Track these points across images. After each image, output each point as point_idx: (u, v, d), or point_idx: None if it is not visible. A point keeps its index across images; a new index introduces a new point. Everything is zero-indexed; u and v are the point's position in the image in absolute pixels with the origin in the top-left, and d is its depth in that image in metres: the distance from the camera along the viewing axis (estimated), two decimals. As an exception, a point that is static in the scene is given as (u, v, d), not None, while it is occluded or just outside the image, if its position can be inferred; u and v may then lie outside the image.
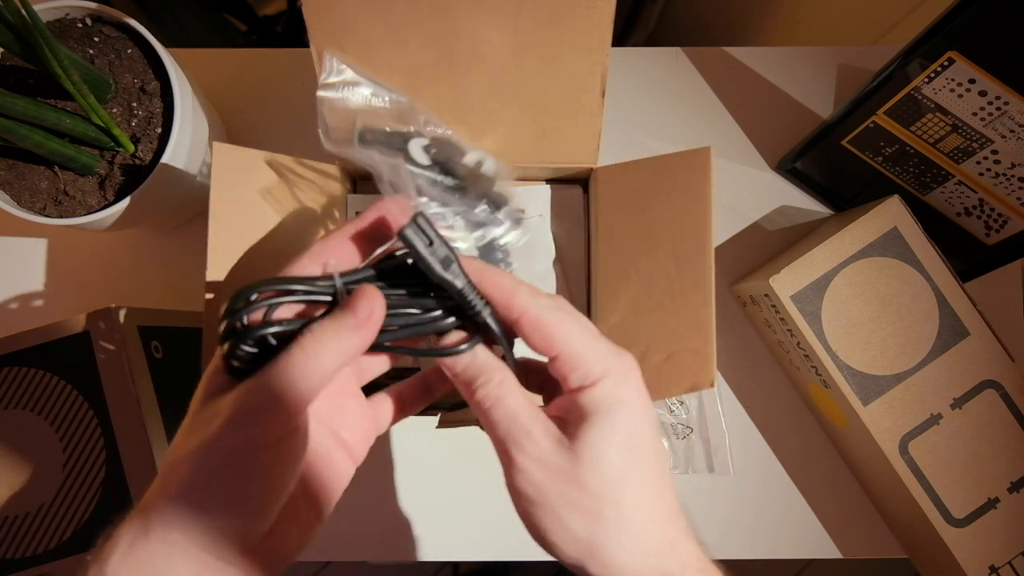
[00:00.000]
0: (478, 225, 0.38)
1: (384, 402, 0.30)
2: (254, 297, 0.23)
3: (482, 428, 0.26)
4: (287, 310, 0.24)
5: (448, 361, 0.25)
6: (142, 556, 0.20)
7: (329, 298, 0.24)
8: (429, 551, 0.48)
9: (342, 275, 0.24)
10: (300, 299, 0.24)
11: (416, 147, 0.37)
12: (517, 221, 0.39)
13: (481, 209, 0.38)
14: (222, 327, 0.23)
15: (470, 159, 0.38)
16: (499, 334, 0.25)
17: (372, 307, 0.23)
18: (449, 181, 0.37)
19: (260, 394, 0.21)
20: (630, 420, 0.24)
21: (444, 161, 0.37)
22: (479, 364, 0.25)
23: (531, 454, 0.23)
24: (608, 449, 0.23)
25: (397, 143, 0.37)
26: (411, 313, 0.25)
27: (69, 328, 0.37)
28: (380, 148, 0.37)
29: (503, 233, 0.39)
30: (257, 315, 0.23)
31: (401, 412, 0.30)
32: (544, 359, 0.25)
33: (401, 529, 0.48)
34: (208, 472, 0.21)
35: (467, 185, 0.37)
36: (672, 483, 0.25)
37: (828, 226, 0.47)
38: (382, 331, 0.24)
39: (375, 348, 0.24)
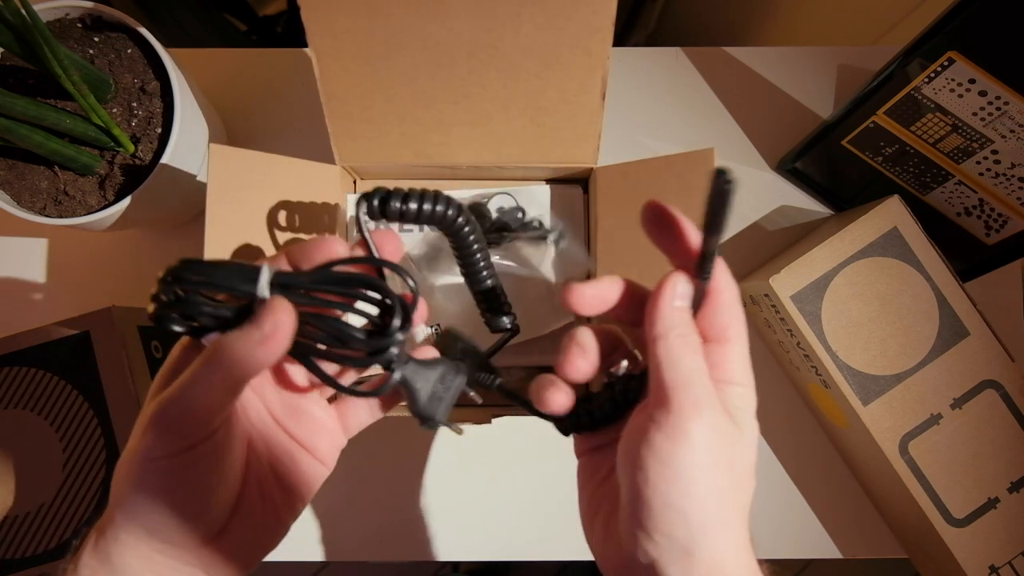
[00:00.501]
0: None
1: (352, 406, 0.29)
2: (191, 277, 0.24)
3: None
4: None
5: (675, 294, 0.24)
6: (102, 555, 0.22)
7: (247, 299, 0.24)
8: (429, 551, 0.48)
9: (278, 274, 0.24)
10: (223, 292, 0.24)
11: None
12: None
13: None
14: (158, 288, 0.24)
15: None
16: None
17: (278, 322, 0.23)
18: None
19: (168, 405, 0.22)
20: (751, 439, 0.25)
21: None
22: (687, 312, 0.24)
23: (714, 410, 0.23)
24: (751, 455, 0.24)
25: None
26: (341, 324, 0.24)
27: (69, 328, 0.37)
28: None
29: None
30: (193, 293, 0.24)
31: (370, 415, 0.30)
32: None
33: (401, 529, 0.48)
34: (136, 477, 0.22)
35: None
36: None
37: (828, 226, 0.47)
38: (308, 340, 0.24)
39: (300, 357, 0.25)
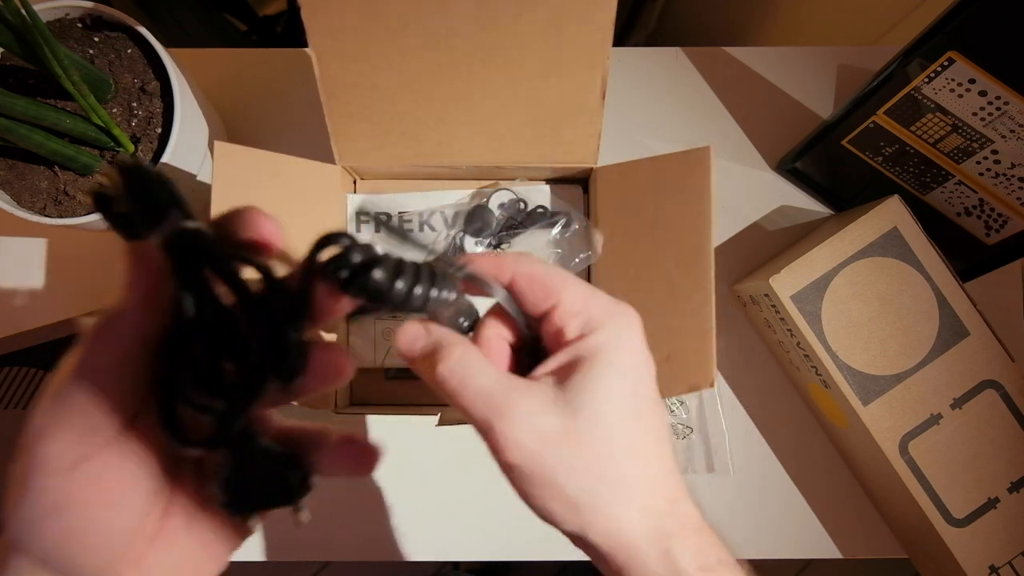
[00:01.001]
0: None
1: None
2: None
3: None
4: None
5: (401, 344, 0.23)
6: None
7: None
8: (429, 551, 0.48)
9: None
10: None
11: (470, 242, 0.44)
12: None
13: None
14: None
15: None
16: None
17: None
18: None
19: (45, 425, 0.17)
20: (632, 368, 0.23)
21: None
22: (431, 340, 0.22)
23: (519, 423, 0.21)
24: (609, 397, 0.22)
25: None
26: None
27: (69, 328, 0.37)
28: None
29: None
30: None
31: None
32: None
33: (401, 529, 0.48)
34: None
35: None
36: (670, 437, 0.24)
37: (828, 226, 0.47)
38: None
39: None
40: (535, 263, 0.23)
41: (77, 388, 0.18)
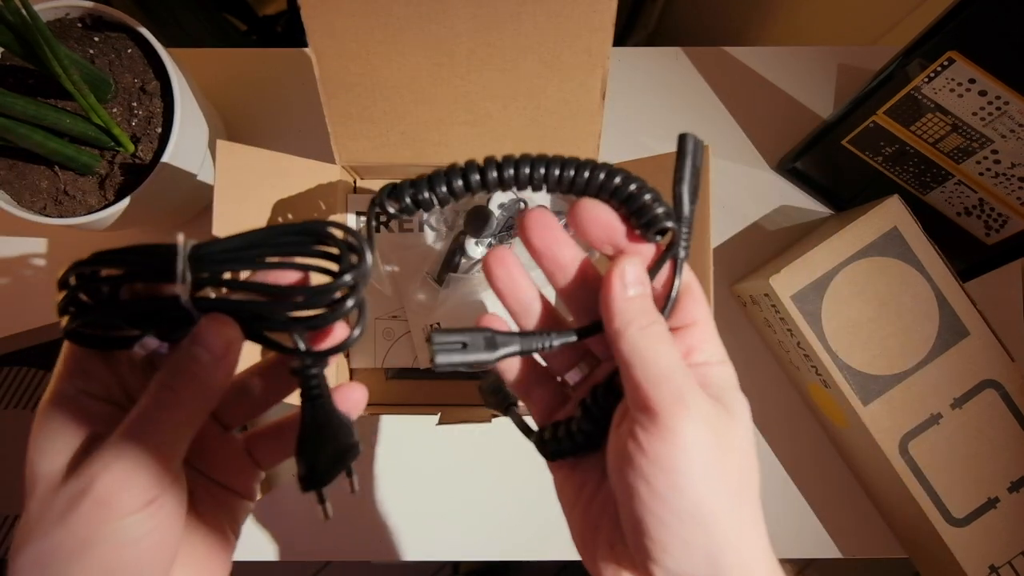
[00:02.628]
0: None
1: (265, 441, 0.26)
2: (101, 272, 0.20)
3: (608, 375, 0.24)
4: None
5: (631, 280, 0.22)
6: None
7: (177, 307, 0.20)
8: (429, 551, 0.48)
9: (195, 247, 0.20)
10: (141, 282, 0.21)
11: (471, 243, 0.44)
12: None
13: None
14: (63, 297, 0.21)
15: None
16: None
17: (228, 338, 0.21)
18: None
19: (130, 453, 0.19)
20: (746, 421, 0.23)
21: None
22: (648, 299, 0.22)
23: (691, 407, 0.20)
24: (744, 435, 0.22)
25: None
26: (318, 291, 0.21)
27: (69, 328, 0.37)
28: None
29: None
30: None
31: (285, 451, 0.26)
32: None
33: (401, 529, 0.48)
34: (97, 540, 0.19)
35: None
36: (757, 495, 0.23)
37: (828, 226, 0.47)
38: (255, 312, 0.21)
39: (253, 337, 0.21)
40: (691, 275, 0.24)
41: (143, 437, 0.20)
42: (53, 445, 0.20)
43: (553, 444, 0.24)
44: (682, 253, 0.23)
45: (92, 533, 0.19)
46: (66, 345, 0.22)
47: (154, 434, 0.20)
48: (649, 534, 0.20)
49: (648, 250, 0.24)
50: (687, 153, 0.23)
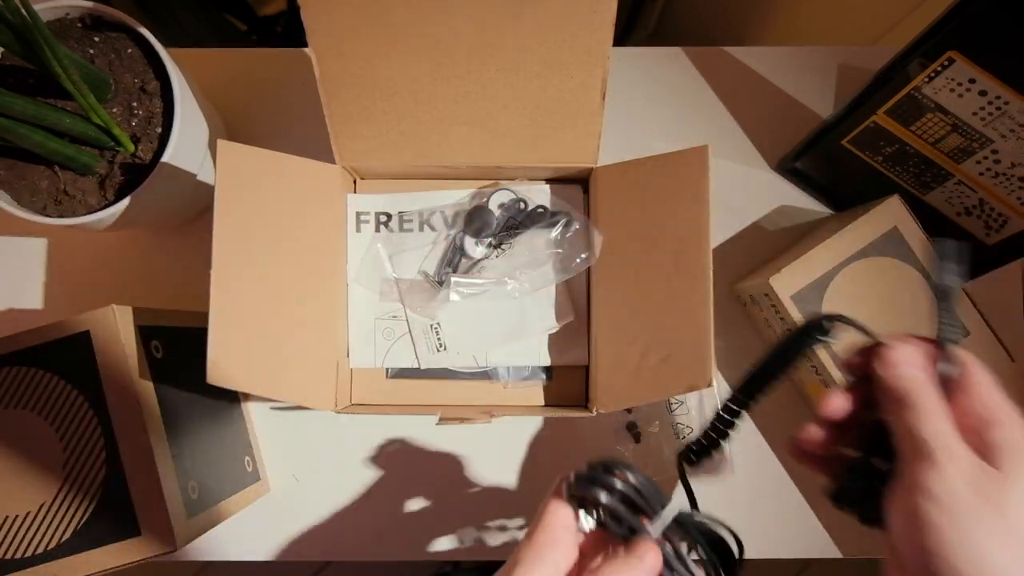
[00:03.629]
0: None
1: None
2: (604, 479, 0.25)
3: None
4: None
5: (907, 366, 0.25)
6: None
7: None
8: (429, 551, 0.48)
9: (682, 513, 0.26)
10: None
11: (471, 243, 0.44)
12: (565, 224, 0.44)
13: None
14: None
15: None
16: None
17: (654, 566, 0.24)
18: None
19: None
20: None
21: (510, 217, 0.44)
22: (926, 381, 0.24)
23: (956, 461, 0.22)
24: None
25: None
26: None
27: (69, 328, 0.37)
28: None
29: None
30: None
31: None
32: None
33: (401, 529, 0.48)
34: None
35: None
36: None
37: (828, 226, 0.47)
38: None
39: None
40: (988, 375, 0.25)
41: None
42: None
43: (842, 491, 0.27)
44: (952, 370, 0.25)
45: None
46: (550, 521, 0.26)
47: None
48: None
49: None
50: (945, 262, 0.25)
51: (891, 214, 0.42)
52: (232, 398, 0.47)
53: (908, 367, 0.25)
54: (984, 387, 0.24)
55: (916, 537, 0.22)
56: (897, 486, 0.23)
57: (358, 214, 0.45)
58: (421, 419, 0.49)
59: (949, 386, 0.25)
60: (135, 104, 0.41)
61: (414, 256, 0.45)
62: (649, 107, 0.52)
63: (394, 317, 0.45)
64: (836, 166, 0.48)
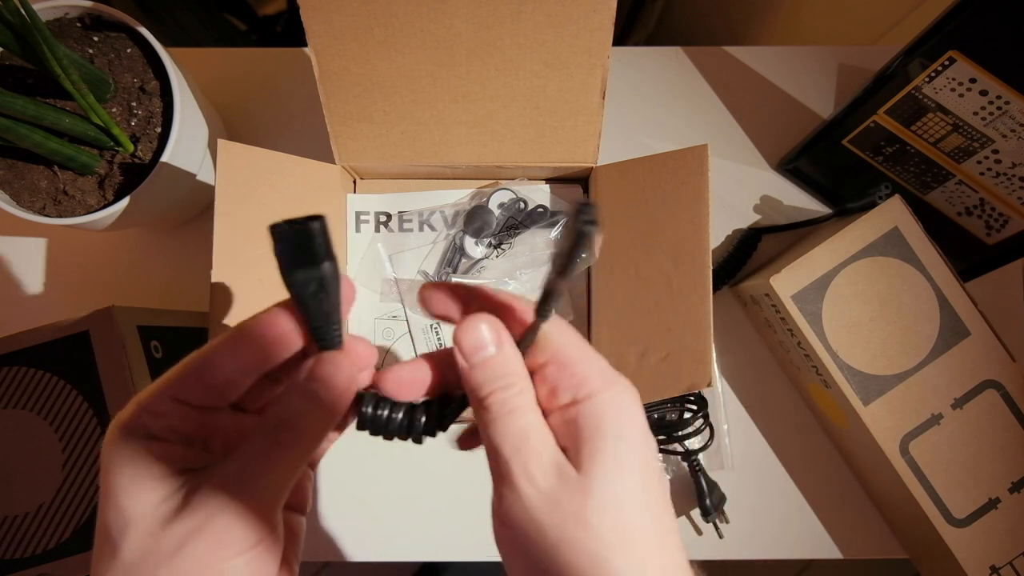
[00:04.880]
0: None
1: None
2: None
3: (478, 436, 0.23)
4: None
5: (468, 350, 0.21)
6: None
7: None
8: (429, 551, 0.48)
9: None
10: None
11: (470, 242, 0.44)
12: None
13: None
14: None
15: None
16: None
17: (351, 377, 0.21)
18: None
19: (231, 514, 0.19)
20: (640, 446, 0.20)
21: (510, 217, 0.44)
22: (503, 364, 0.21)
23: (536, 480, 0.20)
24: (621, 485, 0.20)
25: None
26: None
27: (69, 328, 0.37)
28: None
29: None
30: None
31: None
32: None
33: (401, 529, 0.48)
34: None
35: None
36: (677, 525, 0.22)
37: (828, 226, 0.47)
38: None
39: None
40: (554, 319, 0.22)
41: (254, 480, 0.20)
42: (141, 484, 0.20)
43: (363, 416, 0.23)
44: (545, 315, 0.21)
45: (202, 574, 0.19)
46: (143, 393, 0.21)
47: (266, 476, 0.20)
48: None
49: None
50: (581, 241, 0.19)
51: (891, 214, 0.42)
52: (232, 398, 0.47)
53: (487, 351, 0.21)
54: (560, 360, 0.21)
55: (514, 548, 0.20)
56: (494, 494, 0.21)
57: (358, 214, 0.45)
58: (421, 419, 0.49)
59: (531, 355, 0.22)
60: (135, 104, 0.41)
61: (414, 256, 0.45)
62: (649, 107, 0.52)
63: (394, 317, 0.45)
64: (836, 166, 0.48)
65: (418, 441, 0.23)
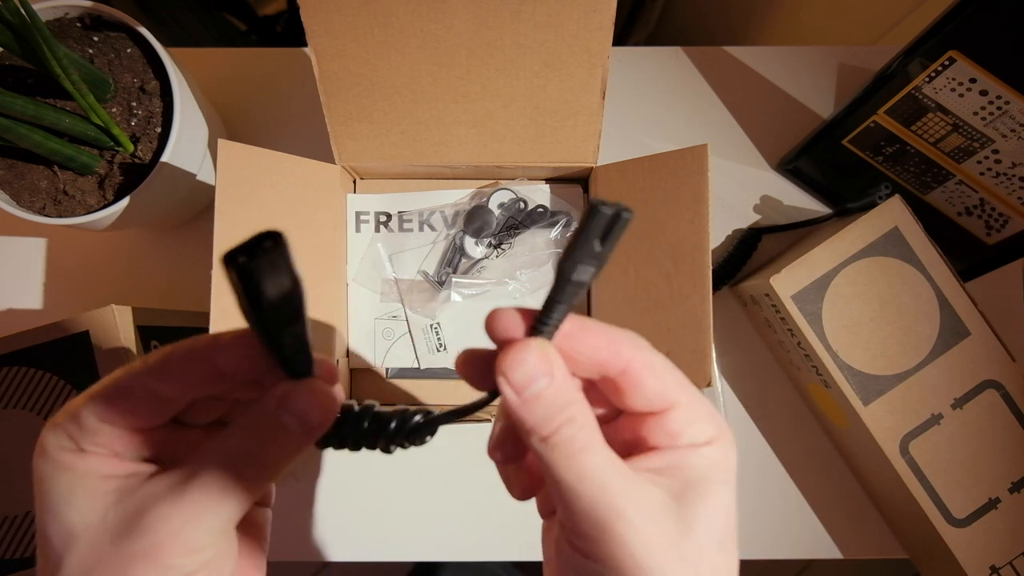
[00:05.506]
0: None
1: None
2: None
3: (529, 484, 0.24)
4: None
5: (519, 384, 0.19)
6: None
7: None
8: (429, 551, 0.48)
9: None
10: None
11: (471, 242, 0.44)
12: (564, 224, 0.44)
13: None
14: None
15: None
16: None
17: (329, 412, 0.20)
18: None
19: (185, 534, 0.18)
20: (732, 495, 0.21)
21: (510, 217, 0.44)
22: (559, 394, 0.19)
23: (633, 521, 0.19)
24: (717, 524, 0.20)
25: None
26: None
27: (69, 328, 0.37)
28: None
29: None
30: None
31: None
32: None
33: (401, 529, 0.48)
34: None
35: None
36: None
37: (828, 226, 0.47)
38: None
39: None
40: (652, 352, 0.21)
41: (212, 499, 0.19)
42: (83, 496, 0.19)
43: (328, 434, 0.22)
44: (546, 331, 0.20)
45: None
46: (84, 400, 0.20)
47: (223, 506, 0.19)
48: None
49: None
50: (588, 226, 0.19)
51: (892, 214, 0.42)
52: (232, 398, 0.47)
53: (538, 384, 0.19)
54: (684, 405, 0.21)
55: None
56: (560, 536, 0.20)
57: (358, 214, 0.45)
58: (421, 419, 0.49)
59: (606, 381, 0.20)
60: (134, 104, 0.41)
61: (414, 256, 0.45)
62: (649, 107, 0.52)
63: (394, 317, 0.45)
64: (836, 166, 0.48)
65: (387, 451, 0.22)
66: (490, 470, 0.52)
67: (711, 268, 0.35)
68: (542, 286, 0.44)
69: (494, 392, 0.21)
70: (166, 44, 0.41)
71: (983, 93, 0.37)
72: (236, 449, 0.19)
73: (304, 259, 0.40)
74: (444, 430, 0.53)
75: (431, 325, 0.45)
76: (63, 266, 0.50)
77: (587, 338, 0.20)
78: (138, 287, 0.50)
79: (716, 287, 0.48)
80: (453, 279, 0.43)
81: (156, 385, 0.19)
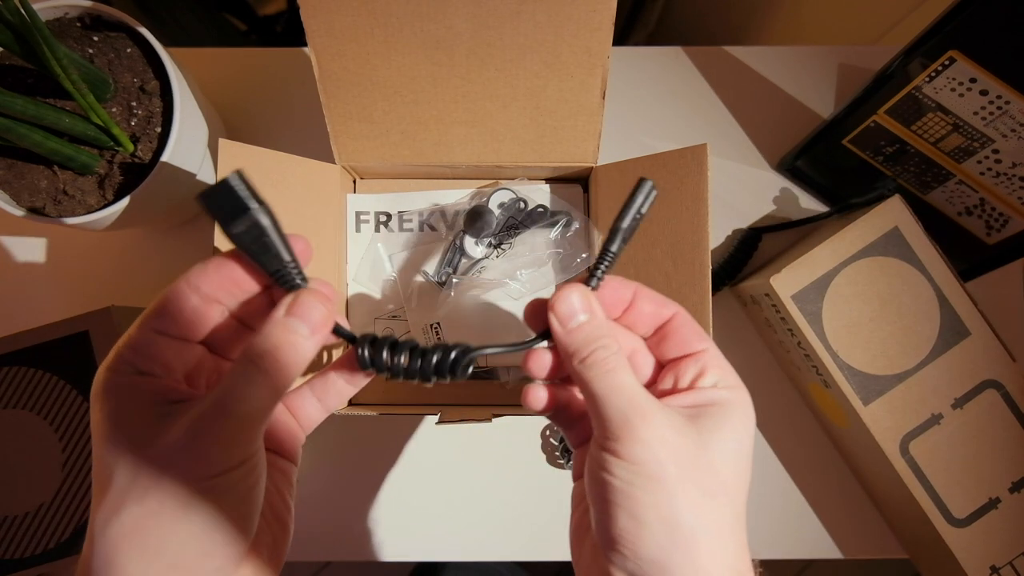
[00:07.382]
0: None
1: (303, 405, 0.27)
2: None
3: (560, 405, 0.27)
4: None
5: (563, 316, 0.24)
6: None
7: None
8: (430, 551, 0.48)
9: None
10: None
11: (471, 242, 0.44)
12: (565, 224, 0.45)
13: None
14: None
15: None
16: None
17: (325, 313, 0.23)
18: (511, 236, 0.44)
19: (212, 423, 0.20)
20: (751, 431, 0.25)
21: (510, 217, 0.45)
22: (597, 328, 0.24)
23: (658, 429, 0.22)
24: (731, 446, 0.23)
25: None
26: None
27: (69, 328, 0.37)
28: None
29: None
30: None
31: (322, 412, 0.28)
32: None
33: (401, 529, 0.48)
34: (170, 500, 0.20)
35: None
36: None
37: (828, 226, 0.47)
38: None
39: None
40: (689, 315, 0.26)
41: (236, 403, 0.21)
42: (130, 414, 0.21)
43: (365, 353, 0.25)
44: (593, 283, 0.25)
45: (186, 493, 0.20)
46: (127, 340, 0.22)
47: (247, 400, 0.21)
48: (607, 538, 0.22)
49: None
50: (638, 196, 0.25)
51: (892, 214, 0.42)
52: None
53: (579, 318, 0.24)
54: (710, 352, 0.25)
55: (604, 498, 0.22)
56: (593, 447, 0.23)
57: (358, 214, 0.45)
58: (421, 419, 0.49)
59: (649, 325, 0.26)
60: (134, 104, 0.41)
61: (414, 256, 0.45)
62: (649, 107, 0.52)
63: (394, 317, 0.45)
64: (836, 166, 0.48)
65: (426, 380, 0.24)
66: (490, 470, 0.52)
67: (711, 268, 0.35)
68: (543, 286, 0.44)
69: (542, 334, 0.25)
70: (166, 44, 0.41)
71: (983, 93, 0.37)
72: (255, 349, 0.21)
73: (304, 259, 0.40)
74: (444, 430, 0.53)
75: (431, 325, 0.45)
76: (63, 266, 0.50)
77: (646, 301, 0.26)
78: (138, 287, 0.50)
79: (716, 287, 0.48)
80: (453, 279, 0.43)
81: (193, 293, 0.22)
